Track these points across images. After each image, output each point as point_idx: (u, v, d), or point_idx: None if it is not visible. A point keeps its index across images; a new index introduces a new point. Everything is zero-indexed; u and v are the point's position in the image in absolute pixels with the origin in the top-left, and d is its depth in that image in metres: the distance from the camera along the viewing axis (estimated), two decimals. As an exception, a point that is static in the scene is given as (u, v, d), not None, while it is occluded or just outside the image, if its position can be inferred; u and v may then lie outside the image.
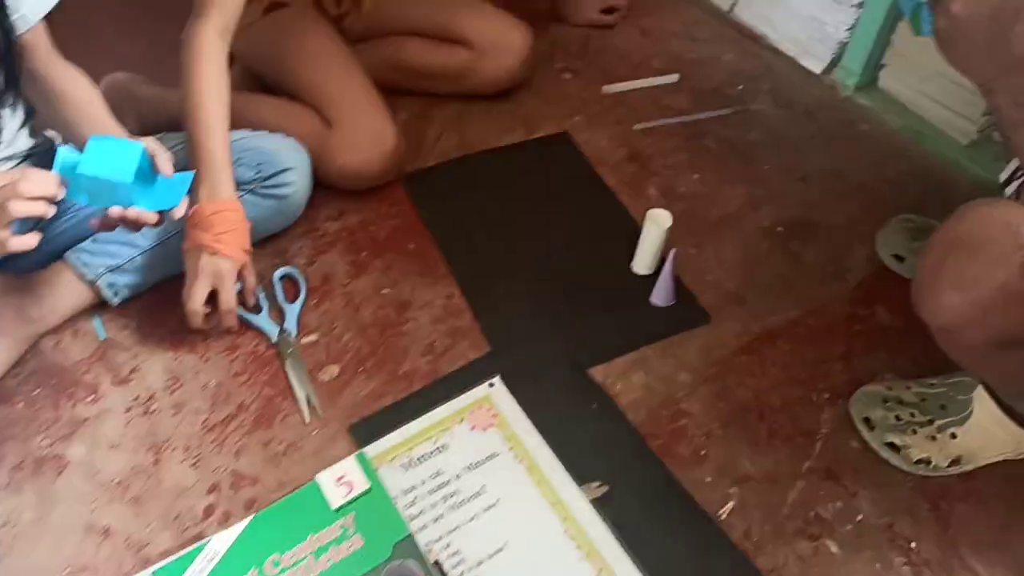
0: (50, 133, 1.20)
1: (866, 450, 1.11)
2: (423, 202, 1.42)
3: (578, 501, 1.04)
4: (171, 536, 1.02)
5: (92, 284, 1.19)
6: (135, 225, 1.01)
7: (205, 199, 1.13)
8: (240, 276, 1.17)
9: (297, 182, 1.27)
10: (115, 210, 0.98)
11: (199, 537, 1.01)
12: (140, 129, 1.38)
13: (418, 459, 1.09)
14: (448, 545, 1.01)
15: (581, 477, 1.07)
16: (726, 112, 1.61)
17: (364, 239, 1.37)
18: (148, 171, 1.01)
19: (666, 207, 1.41)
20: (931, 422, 1.07)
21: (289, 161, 1.26)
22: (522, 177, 1.47)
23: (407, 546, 0.99)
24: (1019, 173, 1.06)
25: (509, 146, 1.53)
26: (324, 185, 1.38)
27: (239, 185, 1.23)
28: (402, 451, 1.10)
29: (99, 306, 1.23)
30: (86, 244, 1.19)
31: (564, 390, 1.17)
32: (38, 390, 1.15)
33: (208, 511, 1.04)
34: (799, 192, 1.46)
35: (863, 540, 1.03)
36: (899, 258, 1.29)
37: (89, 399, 1.15)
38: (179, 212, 1.03)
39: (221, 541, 1.00)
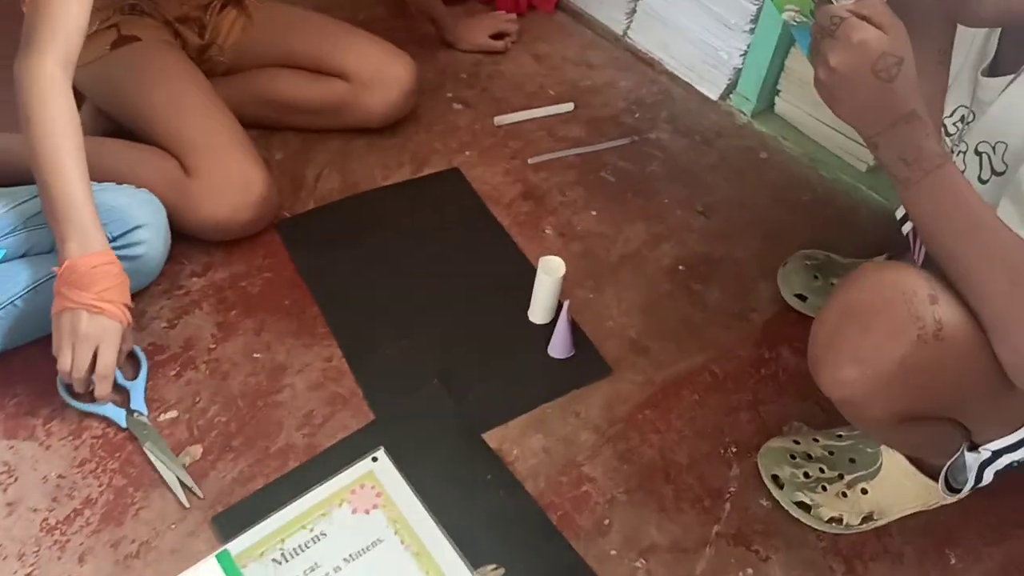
0: None
1: (776, 508, 1.05)
2: (300, 252, 1.30)
3: (471, 590, 0.94)
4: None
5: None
6: None
7: (77, 253, 0.99)
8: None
9: (150, 240, 1.13)
10: None
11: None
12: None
13: (292, 552, 0.97)
14: (324, 656, 0.89)
15: (476, 560, 0.97)
16: (624, 142, 1.54)
17: (233, 296, 1.24)
18: None
19: (563, 248, 1.34)
20: (840, 477, 1.02)
21: (140, 216, 1.12)
22: (409, 219, 1.37)
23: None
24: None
25: (395, 185, 1.42)
26: (187, 236, 1.25)
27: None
28: (274, 543, 0.97)
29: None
30: None
31: (456, 460, 1.07)
32: None
33: (42, 635, 0.90)
34: (700, 226, 1.40)
35: (777, 610, 0.97)
36: (802, 297, 1.24)
37: (-101, 506, 0.99)
38: None
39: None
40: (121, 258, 1.11)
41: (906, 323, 0.72)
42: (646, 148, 1.54)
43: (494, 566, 0.97)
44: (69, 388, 1.06)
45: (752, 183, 1.49)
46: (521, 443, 1.10)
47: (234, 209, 1.21)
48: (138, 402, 1.08)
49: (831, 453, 1.04)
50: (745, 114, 1.60)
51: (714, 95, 1.63)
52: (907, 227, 1.10)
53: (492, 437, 1.10)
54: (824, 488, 1.02)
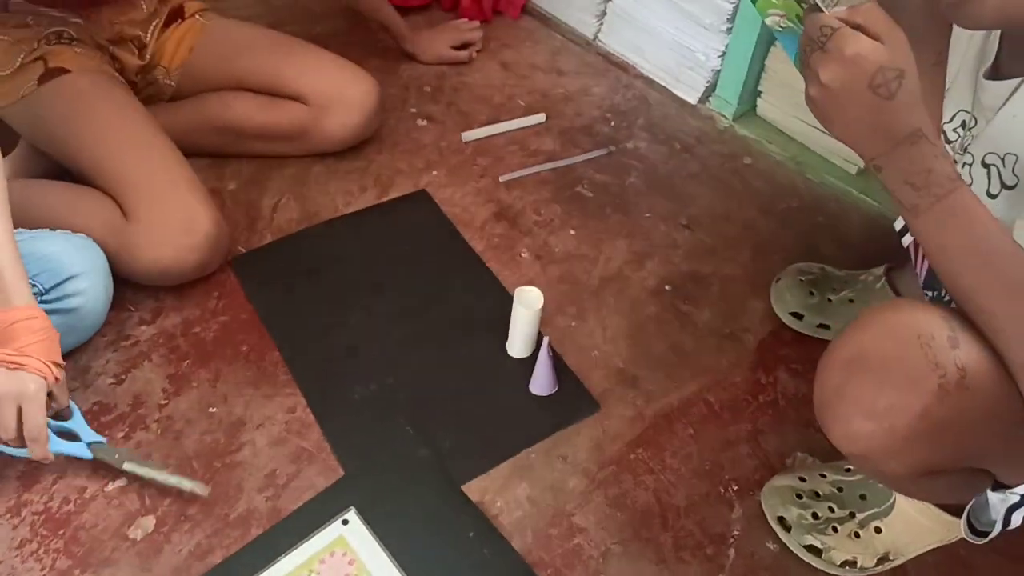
0: None
1: (784, 551, 0.97)
2: (257, 291, 1.20)
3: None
4: None
5: None
6: None
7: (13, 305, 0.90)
8: (50, 396, 0.94)
9: (88, 290, 1.03)
10: None
11: None
12: None
13: (258, 633, 0.88)
14: None
15: (460, 630, 0.88)
16: (600, 153, 1.46)
17: (186, 344, 1.14)
18: None
19: (541, 272, 1.26)
20: (852, 516, 0.94)
21: (76, 265, 1.03)
22: (375, 249, 1.27)
23: None
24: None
25: (359, 212, 1.33)
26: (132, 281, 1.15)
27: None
28: (237, 625, 0.88)
29: None
30: None
31: (435, 517, 0.98)
32: None
33: None
34: (685, 242, 1.32)
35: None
36: (797, 315, 1.16)
37: None
38: None
39: None
40: (56, 311, 1.02)
41: (925, 372, 0.64)
42: (624, 159, 1.46)
43: (481, 637, 0.89)
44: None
45: (737, 192, 1.41)
46: (505, 494, 1.01)
47: (179, 253, 1.11)
48: (88, 434, 0.99)
49: (840, 490, 0.96)
50: (726, 118, 1.52)
51: (692, 99, 1.55)
52: (908, 239, 1.02)
53: (473, 488, 1.01)
54: (835, 529, 0.94)
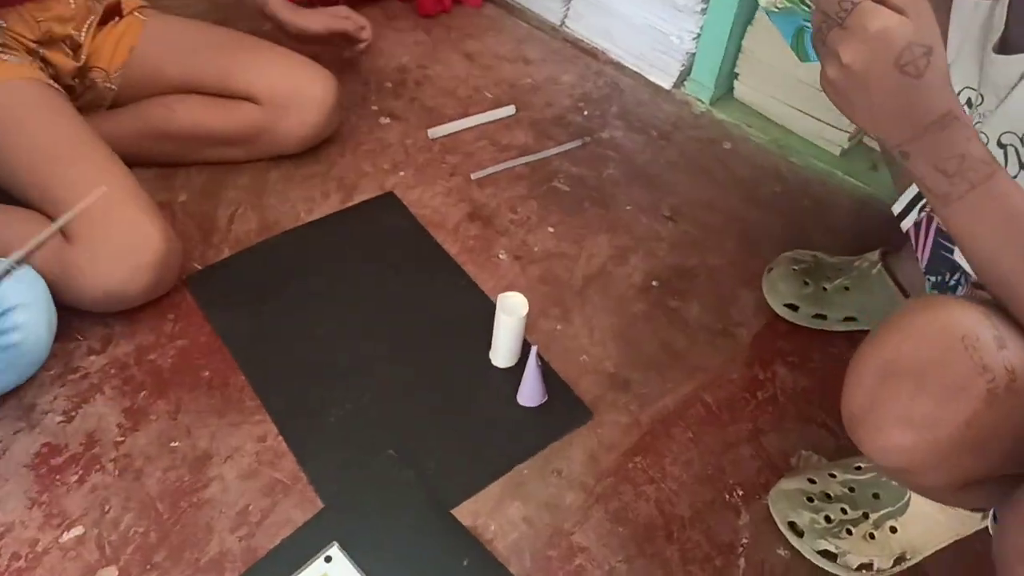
0: None
1: (796, 556, 0.92)
2: (216, 310, 1.11)
3: None
4: None
5: None
6: None
7: None
8: None
9: (28, 323, 0.94)
10: None
11: None
12: None
13: None
14: None
15: (460, 668, 0.82)
16: (574, 145, 1.39)
17: (141, 374, 1.05)
18: None
19: (521, 273, 1.19)
20: (866, 517, 0.89)
21: (12, 297, 0.93)
22: (342, 258, 1.19)
23: None
24: (923, 206, 0.89)
25: (322, 219, 1.24)
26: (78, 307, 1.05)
27: (-63, 342, 0.90)
28: None
29: None
30: None
31: (425, 546, 0.91)
32: None
33: None
34: (669, 233, 1.26)
35: None
36: (792, 307, 1.11)
37: None
38: None
39: None
40: (-7, 350, 0.92)
41: (971, 377, 0.58)
42: (599, 149, 1.40)
43: (482, 675, 0.82)
44: None
45: (718, 178, 1.36)
46: (498, 515, 0.94)
47: (127, 275, 1.01)
48: None
49: (852, 490, 0.91)
50: (702, 102, 1.46)
51: (667, 84, 1.49)
52: (907, 222, 0.97)
53: (464, 512, 0.94)
54: (849, 531, 0.89)
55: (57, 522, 0.91)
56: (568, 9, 1.58)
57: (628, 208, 1.30)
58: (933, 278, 0.94)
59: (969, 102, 0.80)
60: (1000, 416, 0.59)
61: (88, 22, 1.18)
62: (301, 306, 1.13)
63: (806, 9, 0.85)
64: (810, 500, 0.91)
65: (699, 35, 1.40)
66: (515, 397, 1.03)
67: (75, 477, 0.95)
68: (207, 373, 1.05)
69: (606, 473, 0.98)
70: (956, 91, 0.78)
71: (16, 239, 1.01)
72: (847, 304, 1.09)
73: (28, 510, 0.92)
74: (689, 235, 1.26)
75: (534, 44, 1.61)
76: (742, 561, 0.92)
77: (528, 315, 1.03)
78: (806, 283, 1.10)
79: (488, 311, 1.07)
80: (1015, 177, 0.71)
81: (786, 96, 1.37)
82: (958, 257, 0.82)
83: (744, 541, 0.93)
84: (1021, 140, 0.70)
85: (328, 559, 0.89)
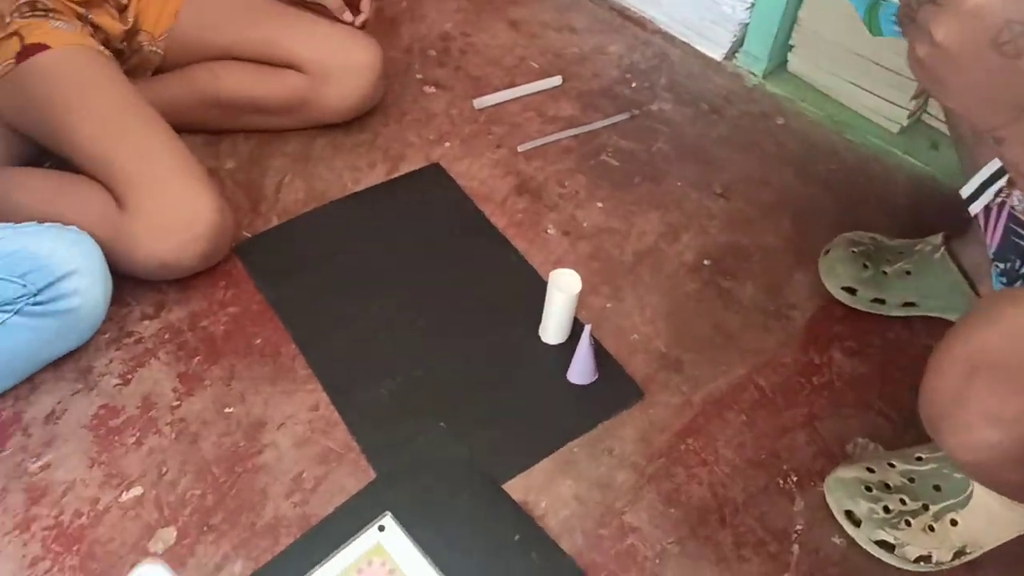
0: None
1: (852, 546, 0.91)
2: (266, 279, 1.11)
3: None
4: None
5: None
6: None
7: None
8: None
9: (85, 288, 0.94)
10: None
11: None
12: None
13: (294, 655, 0.82)
14: None
15: (513, 643, 0.82)
16: (622, 117, 1.37)
17: (195, 340, 1.05)
18: None
19: (570, 249, 1.18)
20: (925, 508, 0.88)
21: (70, 262, 0.93)
22: (389, 229, 1.18)
23: None
24: (998, 190, 0.87)
25: (369, 190, 1.23)
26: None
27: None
28: (271, 647, 0.82)
29: None
30: None
31: (477, 520, 0.91)
32: None
33: None
34: (721, 211, 1.24)
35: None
36: (850, 290, 1.09)
37: None
38: None
39: None
40: (48, 315, 0.93)
41: None
42: (648, 122, 1.37)
43: (536, 650, 0.82)
44: None
45: (771, 155, 1.33)
46: (549, 492, 0.94)
47: (179, 246, 1.01)
48: None
49: (911, 480, 0.89)
50: (755, 75, 1.42)
51: (718, 55, 1.46)
52: (977, 206, 0.94)
53: (515, 488, 0.94)
54: (908, 523, 0.88)
55: (116, 482, 0.93)
56: (618, -24, 1.54)
57: (678, 184, 1.27)
58: (1002, 264, 0.91)
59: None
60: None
61: None
62: (351, 277, 1.12)
63: None
64: (868, 489, 0.90)
65: (753, 5, 1.37)
66: (565, 374, 1.02)
67: (132, 439, 0.96)
68: (259, 341, 1.05)
69: (658, 454, 0.98)
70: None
71: (70, 206, 1.02)
72: (907, 289, 1.06)
73: (89, 469, 0.93)
74: (742, 213, 1.24)
75: (580, 12, 1.57)
76: (796, 548, 0.91)
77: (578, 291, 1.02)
78: (865, 266, 1.08)
79: (538, 287, 1.06)
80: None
81: (843, 70, 1.33)
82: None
83: (798, 528, 0.93)
84: None
85: (381, 528, 0.89)
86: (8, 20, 1.03)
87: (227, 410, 0.99)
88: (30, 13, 1.05)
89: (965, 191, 0.97)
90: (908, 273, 1.06)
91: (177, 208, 1.00)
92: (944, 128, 1.28)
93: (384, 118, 1.34)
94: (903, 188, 1.28)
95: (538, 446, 0.97)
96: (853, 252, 1.09)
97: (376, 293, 1.11)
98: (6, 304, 0.90)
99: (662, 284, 1.14)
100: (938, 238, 1.06)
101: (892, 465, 0.91)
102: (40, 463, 0.93)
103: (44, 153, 1.12)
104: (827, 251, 1.13)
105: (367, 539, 0.89)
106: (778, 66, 1.42)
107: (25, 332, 0.92)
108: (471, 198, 1.23)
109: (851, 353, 1.07)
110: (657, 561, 0.90)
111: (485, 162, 1.29)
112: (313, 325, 1.07)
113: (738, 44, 1.44)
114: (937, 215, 1.17)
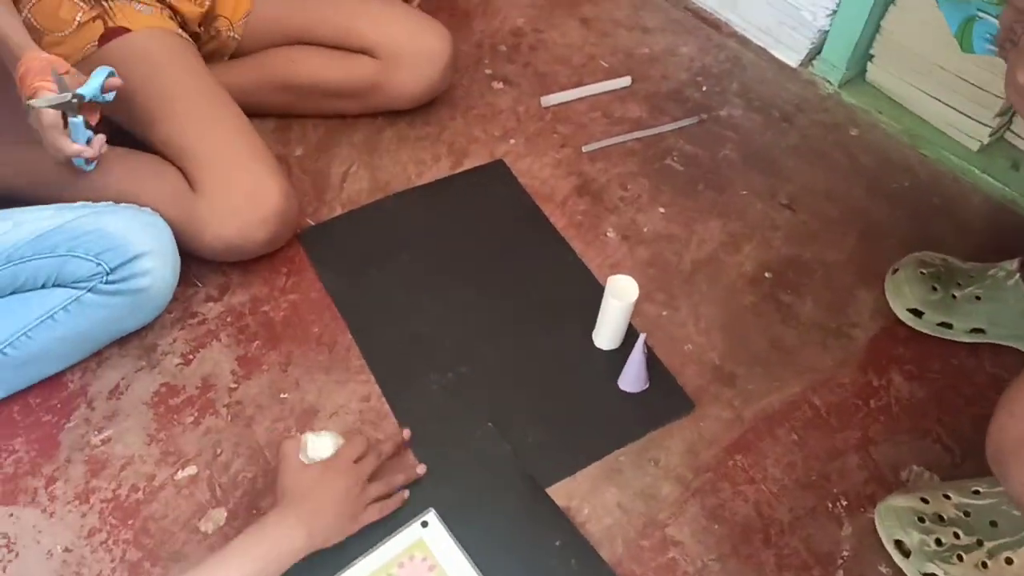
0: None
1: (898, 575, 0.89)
2: (327, 268, 1.13)
3: None
4: None
5: None
6: None
7: (29, 49, 0.92)
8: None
9: (156, 269, 0.98)
10: None
11: None
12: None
13: (333, 640, 0.84)
14: None
15: (547, 647, 0.83)
16: (690, 122, 1.35)
17: (255, 324, 1.08)
18: None
19: (628, 254, 1.17)
20: (980, 544, 0.85)
21: (143, 243, 0.96)
22: (451, 225, 1.19)
23: None
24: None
25: (433, 184, 1.24)
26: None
27: (74, 283, 0.94)
28: (312, 631, 0.84)
29: None
30: None
31: (519, 522, 0.92)
32: None
33: None
34: (785, 223, 1.21)
35: None
36: (917, 313, 1.06)
37: None
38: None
39: None
40: (120, 293, 0.97)
41: None
42: (716, 128, 1.35)
43: (569, 656, 0.83)
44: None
45: (842, 167, 1.29)
46: (593, 499, 0.94)
47: (247, 227, 1.04)
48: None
49: (967, 514, 0.87)
50: (831, 83, 1.38)
51: (793, 62, 1.42)
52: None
53: (559, 492, 0.94)
54: (960, 558, 0.85)
55: (173, 460, 0.96)
56: (694, -24, 1.51)
57: (743, 193, 1.25)
58: (1080, 298, 0.88)
59: None
60: None
61: None
62: (408, 271, 1.14)
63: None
64: (921, 520, 0.87)
65: (835, 11, 1.32)
66: (616, 381, 1.02)
67: (191, 419, 0.99)
68: (316, 329, 1.08)
69: (704, 468, 0.97)
70: None
71: (145, 186, 1.05)
72: (977, 314, 1.03)
73: (147, 446, 0.97)
74: (807, 226, 1.21)
75: (653, 11, 1.55)
76: (840, 573, 0.89)
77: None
78: (934, 288, 1.04)
79: (594, 290, 1.05)
80: None
81: (924, 82, 1.29)
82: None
83: (845, 553, 0.91)
84: None
85: (424, 524, 0.91)
86: (94, 3, 1.07)
87: (282, 396, 1.02)
88: (115, -3, 1.09)
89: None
90: (978, 298, 1.02)
91: (245, 191, 1.03)
92: (1028, 148, 1.23)
93: (451, 112, 1.34)
94: (979, 209, 1.23)
95: (585, 451, 0.97)
96: (922, 273, 1.06)
97: (432, 288, 1.12)
98: (80, 281, 0.94)
99: (719, 295, 1.13)
100: (1013, 263, 1.01)
101: (948, 497, 0.88)
102: (102, 436, 0.97)
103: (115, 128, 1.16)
104: (895, 270, 1.09)
105: (410, 534, 0.90)
106: (856, 75, 1.38)
107: (97, 309, 0.96)
108: (532, 196, 1.23)
109: (912, 377, 1.04)
110: (698, 577, 0.89)
111: (548, 161, 1.29)
112: (368, 317, 1.09)
113: (816, 51, 1.40)
114: (1014, 239, 1.12)
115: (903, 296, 1.06)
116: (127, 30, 1.07)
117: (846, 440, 0.99)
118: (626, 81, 1.40)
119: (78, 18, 1.06)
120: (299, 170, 1.25)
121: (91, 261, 0.94)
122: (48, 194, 1.02)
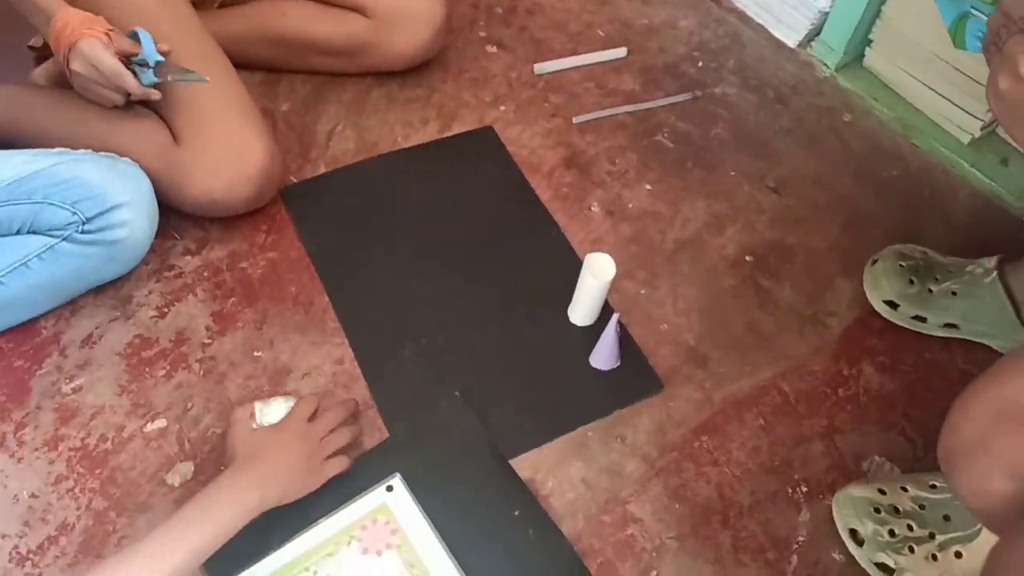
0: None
1: (851, 564, 0.90)
2: (309, 227, 1.13)
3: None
4: None
5: None
6: None
7: (62, 9, 0.95)
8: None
9: (133, 221, 0.97)
10: None
11: None
12: None
13: (293, 598, 0.85)
14: None
15: (503, 614, 0.84)
16: (684, 98, 1.33)
17: (232, 280, 1.08)
18: None
19: (611, 230, 1.16)
20: (932, 537, 0.86)
21: (121, 194, 0.95)
22: (435, 190, 1.19)
23: None
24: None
25: (419, 147, 1.23)
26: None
27: (49, 231, 0.94)
28: (272, 588, 0.85)
29: None
30: None
31: (482, 490, 0.93)
32: None
33: None
34: (771, 207, 1.21)
35: None
36: (892, 304, 1.06)
37: None
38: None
39: None
40: (96, 243, 0.96)
41: None
42: (709, 106, 1.33)
43: (523, 624, 0.85)
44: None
45: (833, 153, 1.28)
46: (558, 473, 0.95)
47: (231, 184, 1.03)
48: (153, 57, 0.99)
49: (922, 507, 0.88)
50: (828, 67, 1.37)
51: (792, 42, 1.40)
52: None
53: (524, 465, 0.95)
54: (912, 549, 0.87)
55: (143, 412, 0.97)
56: (699, -52, 1.48)
57: (732, 174, 1.24)
58: (1054, 301, 0.88)
59: None
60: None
61: None
62: (389, 235, 1.13)
63: None
64: (877, 511, 0.89)
65: (838, -7, 1.30)
66: (587, 357, 1.02)
67: (163, 372, 1.00)
68: (294, 289, 1.07)
69: (670, 448, 0.98)
70: None
71: (128, 135, 1.04)
72: (951, 310, 1.03)
73: (117, 396, 0.98)
74: (792, 211, 1.21)
75: (656, -19, 1.52)
76: (795, 558, 0.91)
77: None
78: (912, 281, 1.04)
79: (573, 265, 1.05)
80: None
81: (921, 72, 1.27)
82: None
83: (800, 539, 0.92)
84: None
85: (389, 488, 0.92)
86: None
87: (256, 354, 1.02)
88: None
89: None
90: (955, 293, 1.02)
91: (229, 148, 1.02)
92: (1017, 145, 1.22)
93: (443, 74, 1.32)
94: (965, 203, 1.23)
95: (552, 425, 0.98)
96: (901, 266, 1.06)
97: (412, 253, 1.11)
98: (56, 229, 0.94)
99: (700, 276, 1.13)
100: (992, 261, 1.01)
101: (905, 489, 0.89)
102: (73, 385, 0.97)
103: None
104: (874, 261, 1.09)
105: (375, 497, 0.91)
106: (853, 60, 1.36)
107: (72, 258, 0.95)
108: (519, 166, 1.22)
109: (883, 369, 1.05)
110: (654, 554, 0.91)
111: (538, 130, 1.28)
112: (347, 279, 1.08)
113: (815, 32, 1.38)
114: (996, 236, 1.12)
115: (880, 288, 1.06)
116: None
117: (812, 427, 1.00)
118: (622, 52, 1.38)
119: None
120: (284, 125, 1.23)
121: (67, 209, 0.93)
122: (29, 139, 1.01)
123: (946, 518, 0.87)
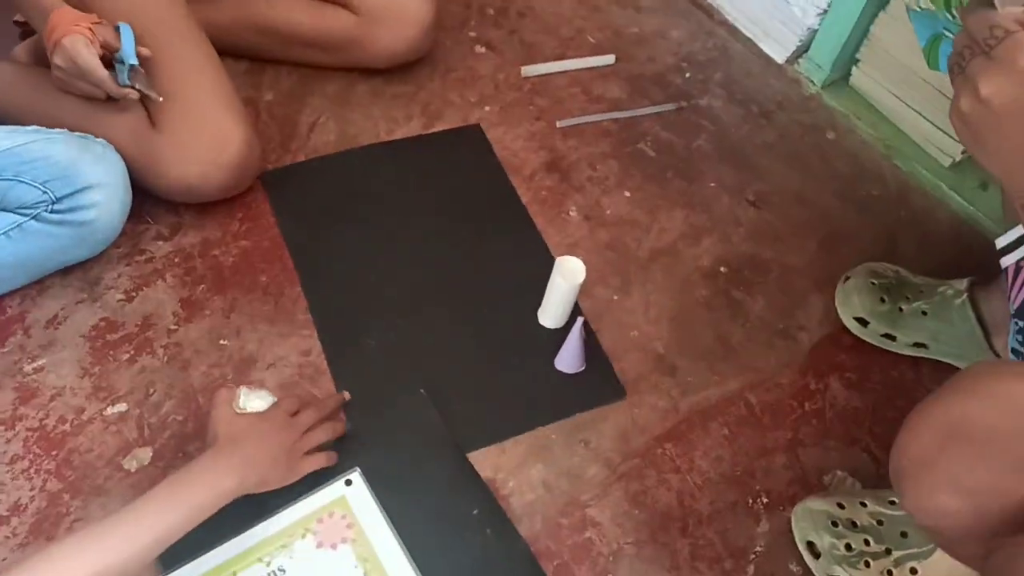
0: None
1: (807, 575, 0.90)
2: (286, 214, 1.12)
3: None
4: None
5: None
6: None
7: (58, 7, 0.96)
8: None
9: (103, 203, 0.96)
10: None
11: None
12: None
13: (243, 589, 0.84)
14: None
15: (455, 614, 0.84)
16: (669, 108, 1.33)
17: (203, 267, 1.07)
18: None
19: (588, 235, 1.16)
20: (888, 553, 0.86)
21: (92, 176, 0.95)
22: (415, 184, 1.18)
23: None
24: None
25: (403, 140, 1.23)
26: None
27: (17, 209, 0.93)
28: (222, 578, 0.85)
29: None
30: None
31: (441, 488, 0.93)
32: None
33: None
34: (749, 220, 1.21)
35: None
36: (862, 322, 1.06)
37: None
38: None
39: None
40: (64, 224, 0.96)
41: None
42: (694, 117, 1.33)
43: (474, 625, 0.84)
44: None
45: (814, 170, 1.28)
46: (519, 474, 0.95)
47: (206, 170, 1.03)
48: (131, 57, 0.98)
49: (880, 523, 0.88)
50: (814, 84, 1.37)
51: (780, 57, 1.41)
52: (1009, 260, 0.90)
53: (486, 464, 0.95)
54: (867, 564, 0.86)
55: (104, 395, 0.96)
56: (692, -40, 1.49)
57: (712, 186, 1.24)
58: (1021, 323, 0.88)
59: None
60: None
61: None
62: (366, 227, 1.13)
63: (949, 18, 0.77)
64: (835, 524, 0.88)
65: (826, 11, 1.31)
66: (553, 360, 1.02)
67: (126, 356, 0.99)
68: (265, 278, 1.07)
69: (633, 454, 0.97)
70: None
71: (104, 117, 1.03)
72: (921, 329, 1.03)
73: (79, 379, 0.97)
74: (770, 225, 1.21)
75: (649, -9, 1.53)
76: (751, 568, 0.91)
77: (585, 280, 1.01)
78: (883, 300, 1.05)
79: (547, 268, 1.05)
80: None
81: (906, 93, 1.28)
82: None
83: (758, 549, 0.92)
84: None
85: (348, 483, 0.91)
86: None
87: (222, 342, 1.01)
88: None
89: (1001, 241, 0.92)
90: (924, 313, 1.02)
91: (206, 135, 1.02)
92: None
93: (430, 72, 1.32)
94: (942, 225, 1.23)
95: (510, 424, 0.98)
96: (872, 284, 1.06)
97: (387, 247, 1.11)
98: (25, 208, 0.93)
99: (673, 285, 1.13)
100: (963, 283, 1.02)
101: (864, 504, 0.89)
102: (35, 365, 0.96)
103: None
104: (847, 278, 1.09)
105: (332, 491, 0.91)
106: (840, 78, 1.37)
107: (40, 237, 0.95)
108: (502, 166, 1.22)
109: (850, 385, 1.05)
110: (611, 559, 0.90)
111: (521, 132, 1.28)
112: (320, 270, 1.08)
113: (803, 49, 1.38)
114: (969, 259, 1.13)
115: (851, 304, 1.06)
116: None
117: (776, 440, 1.00)
118: (610, 59, 1.39)
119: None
120: (267, 115, 1.23)
121: (37, 188, 0.93)
122: (3, 116, 1.01)
123: (903, 534, 0.87)
